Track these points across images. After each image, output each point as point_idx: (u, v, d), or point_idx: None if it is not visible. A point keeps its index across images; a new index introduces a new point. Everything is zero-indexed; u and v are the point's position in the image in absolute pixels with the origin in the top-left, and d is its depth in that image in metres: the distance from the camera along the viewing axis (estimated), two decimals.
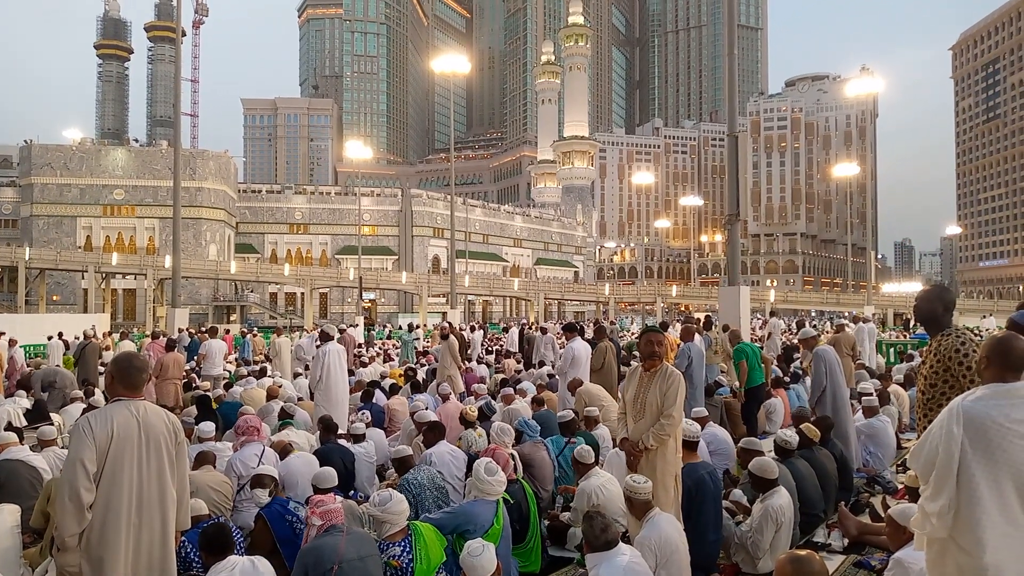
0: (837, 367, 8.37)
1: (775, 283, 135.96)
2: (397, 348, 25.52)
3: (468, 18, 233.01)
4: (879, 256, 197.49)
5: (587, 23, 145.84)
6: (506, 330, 33.42)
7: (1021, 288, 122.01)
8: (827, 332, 29.51)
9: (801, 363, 14.92)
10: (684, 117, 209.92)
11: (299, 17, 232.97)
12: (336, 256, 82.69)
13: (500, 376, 14.61)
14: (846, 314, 57.44)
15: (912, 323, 40.15)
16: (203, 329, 24.84)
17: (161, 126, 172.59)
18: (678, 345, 11.59)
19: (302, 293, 68.56)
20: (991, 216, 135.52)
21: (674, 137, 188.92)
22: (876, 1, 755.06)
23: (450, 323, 22.72)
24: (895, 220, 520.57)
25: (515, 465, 6.02)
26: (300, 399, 11.47)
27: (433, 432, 6.85)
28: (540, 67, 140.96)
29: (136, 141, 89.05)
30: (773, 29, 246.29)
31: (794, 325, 43.67)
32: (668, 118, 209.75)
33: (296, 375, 15.37)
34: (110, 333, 29.11)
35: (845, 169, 65.87)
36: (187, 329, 24.59)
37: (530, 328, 25.22)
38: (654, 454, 5.29)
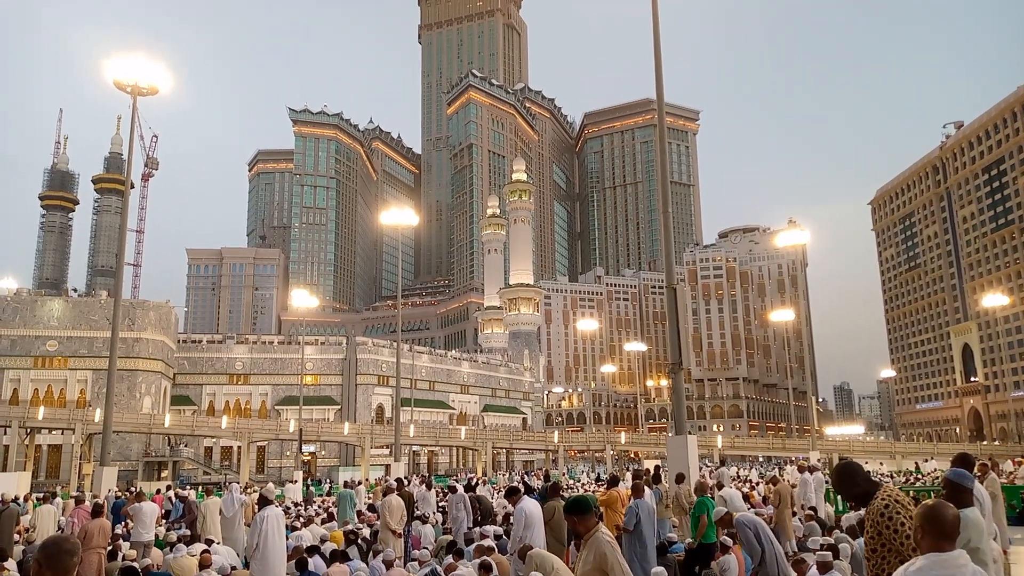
0: (764, 525, 8.47)
1: (721, 428, 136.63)
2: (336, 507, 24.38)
3: (416, 173, 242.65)
4: (820, 399, 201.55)
5: (530, 180, 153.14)
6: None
7: (958, 430, 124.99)
8: (764, 482, 29.46)
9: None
10: (624, 266, 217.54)
11: (250, 170, 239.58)
12: (276, 407, 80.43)
13: (447, 538, 14.03)
14: (793, 459, 57.73)
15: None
16: (131, 490, 23.52)
17: (102, 275, 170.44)
18: (630, 498, 11.41)
19: (239, 447, 65.89)
20: (922, 360, 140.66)
21: (615, 285, 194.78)
22: (798, 158, 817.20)
23: (399, 479, 21.89)
24: (833, 364, 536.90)
25: None
26: (233, 568, 10.78)
27: None
28: (486, 219, 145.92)
29: (75, 291, 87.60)
30: (704, 184, 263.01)
31: (745, 473, 43.51)
32: (609, 267, 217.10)
33: (209, 542, 14.34)
34: (31, 495, 27.30)
35: (781, 315, 68.62)
36: (115, 490, 23.24)
37: (479, 482, 24.52)
38: None
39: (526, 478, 38.68)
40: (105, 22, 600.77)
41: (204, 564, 10.27)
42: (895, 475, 40.92)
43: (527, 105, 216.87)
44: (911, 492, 20.68)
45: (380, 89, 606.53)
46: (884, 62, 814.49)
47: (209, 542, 13.79)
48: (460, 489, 16.91)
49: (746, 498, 18.10)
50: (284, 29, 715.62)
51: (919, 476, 36.72)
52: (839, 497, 23.19)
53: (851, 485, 4.30)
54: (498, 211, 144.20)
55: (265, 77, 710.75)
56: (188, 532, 15.14)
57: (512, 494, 11.15)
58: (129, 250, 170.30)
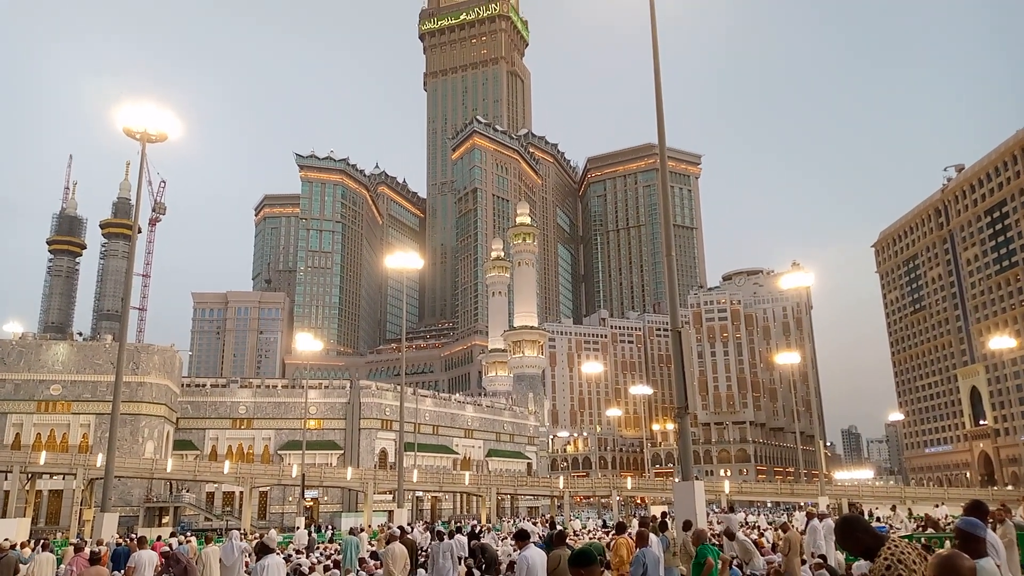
0: None
1: (728, 473, 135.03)
2: (339, 554, 24.04)
3: (421, 217, 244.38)
4: (828, 443, 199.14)
5: (534, 223, 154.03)
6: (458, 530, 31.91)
7: (968, 474, 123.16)
8: (773, 529, 28.97)
9: None
10: (628, 308, 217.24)
11: (256, 215, 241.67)
12: (279, 452, 79.76)
13: None
14: (801, 505, 56.92)
15: (868, 513, 39.96)
16: (131, 536, 23.22)
17: (107, 319, 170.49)
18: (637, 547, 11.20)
19: (241, 492, 65.16)
20: (930, 403, 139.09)
21: (620, 327, 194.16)
22: (801, 201, 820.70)
23: (401, 527, 21.56)
24: (840, 407, 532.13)
25: None
26: None
27: None
28: (490, 262, 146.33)
29: (80, 335, 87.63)
30: (707, 227, 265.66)
31: (753, 519, 42.98)
32: (613, 309, 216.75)
33: None
34: (28, 541, 26.96)
35: (786, 358, 68.23)
36: (116, 536, 22.93)
37: (484, 529, 24.17)
38: None
39: (526, 525, 37.99)
40: (114, 70, 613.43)
41: None
42: (907, 521, 40.14)
43: (530, 150, 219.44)
44: (923, 540, 20.29)
45: (386, 135, 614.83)
46: (885, 105, 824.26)
47: None
48: (447, 537, 16.52)
49: (756, 545, 17.78)
50: (292, 76, 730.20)
51: (921, 521, 36.06)
52: None
53: (855, 540, 4.09)
54: (502, 254, 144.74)
55: (272, 123, 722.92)
56: None
57: (521, 538, 10.98)
58: (135, 294, 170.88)
